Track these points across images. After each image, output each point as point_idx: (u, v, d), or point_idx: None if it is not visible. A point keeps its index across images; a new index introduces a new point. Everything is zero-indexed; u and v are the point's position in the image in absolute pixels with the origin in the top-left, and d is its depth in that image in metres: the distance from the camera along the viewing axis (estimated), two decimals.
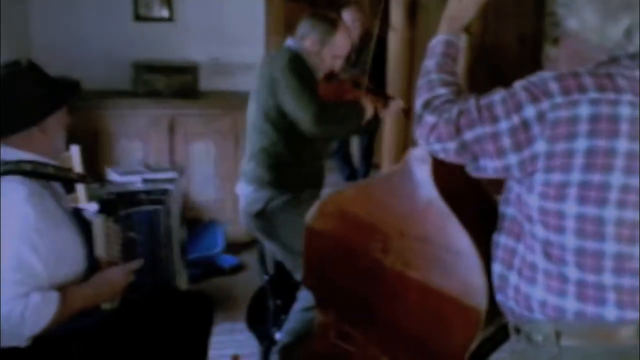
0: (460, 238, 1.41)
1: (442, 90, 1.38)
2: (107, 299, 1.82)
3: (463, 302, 1.39)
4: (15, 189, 1.67)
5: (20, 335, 1.60)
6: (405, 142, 4.43)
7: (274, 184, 2.41)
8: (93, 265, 1.83)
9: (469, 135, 1.27)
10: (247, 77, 4.34)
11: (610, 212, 1.17)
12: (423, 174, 1.49)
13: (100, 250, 1.84)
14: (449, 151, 1.32)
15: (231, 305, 3.05)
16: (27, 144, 1.76)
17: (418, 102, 1.41)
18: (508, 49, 4.37)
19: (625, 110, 1.16)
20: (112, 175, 2.14)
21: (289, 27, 4.54)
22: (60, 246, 1.71)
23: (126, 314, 1.89)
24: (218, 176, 4.07)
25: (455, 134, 1.29)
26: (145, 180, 2.03)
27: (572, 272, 1.22)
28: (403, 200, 1.52)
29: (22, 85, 1.73)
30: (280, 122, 2.41)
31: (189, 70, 4.10)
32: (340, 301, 1.67)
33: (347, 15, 4.81)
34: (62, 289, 1.69)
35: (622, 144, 1.15)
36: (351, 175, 5.32)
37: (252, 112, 2.52)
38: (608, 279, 1.20)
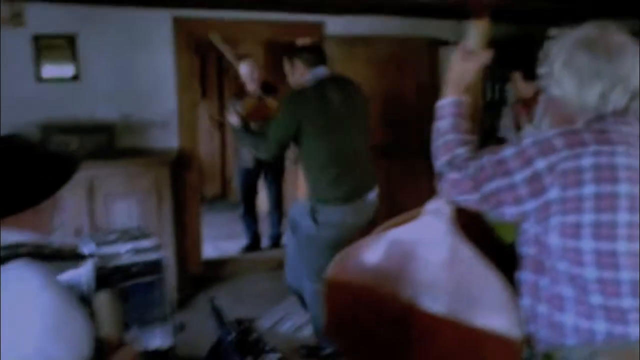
0: (489, 278, 1.58)
1: (459, 150, 1.57)
2: None
3: (502, 336, 1.54)
4: (26, 276, 1.57)
5: None
6: None
7: None
8: (97, 344, 1.75)
9: (487, 188, 1.46)
10: (161, 134, 4.33)
11: (621, 246, 1.38)
12: (445, 223, 1.64)
13: (107, 328, 1.76)
14: (471, 202, 1.52)
15: None
16: (22, 224, 1.66)
17: (439, 162, 1.58)
18: (407, 99, 4.76)
19: (621, 160, 1.39)
20: (86, 246, 2.03)
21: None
22: (77, 328, 1.63)
23: None
24: None
25: (476, 188, 1.48)
26: (134, 251, 1.97)
27: (596, 299, 1.41)
28: (428, 249, 1.66)
29: (20, 163, 1.65)
30: None
31: (104, 130, 3.97)
32: (368, 347, 1.75)
33: (245, 69, 4.97)
34: None
35: (623, 188, 1.38)
36: (253, 242, 5.44)
37: (358, 143, 3.20)
38: (627, 302, 1.40)
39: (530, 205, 1.42)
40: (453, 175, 1.52)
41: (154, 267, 1.91)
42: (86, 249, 2.05)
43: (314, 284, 3.24)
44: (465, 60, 1.66)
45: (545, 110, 3.61)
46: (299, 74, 3.23)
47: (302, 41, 4.34)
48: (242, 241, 5.47)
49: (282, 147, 3.15)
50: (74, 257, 1.82)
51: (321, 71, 3.20)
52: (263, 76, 5.11)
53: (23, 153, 1.66)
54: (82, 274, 1.88)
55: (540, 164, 1.40)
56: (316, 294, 3.27)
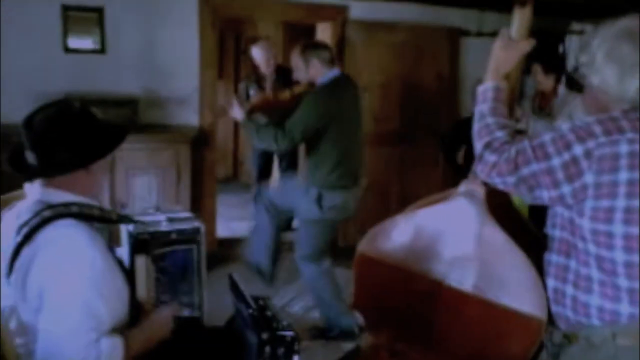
0: (516, 259, 1.63)
1: (499, 133, 1.61)
2: (155, 343, 1.81)
3: (525, 315, 1.60)
4: (75, 232, 1.64)
5: None
6: None
7: None
8: (133, 306, 1.82)
9: (525, 171, 1.51)
10: (182, 110, 4.38)
11: None
12: (475, 206, 1.70)
13: (142, 291, 1.83)
14: (508, 184, 1.56)
15: None
16: (71, 185, 1.73)
17: (479, 144, 1.63)
18: (425, 86, 4.80)
19: None
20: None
21: None
22: (116, 289, 1.70)
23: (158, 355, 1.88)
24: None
25: (514, 170, 1.52)
26: (170, 220, 2.03)
27: (623, 282, 1.47)
28: (458, 229, 1.72)
29: (75, 126, 1.71)
30: None
31: (127, 103, 4.02)
32: (394, 322, 1.82)
33: (258, 52, 4.92)
34: (122, 333, 1.68)
35: None
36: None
37: (360, 136, 3.47)
38: None
39: (566, 189, 1.47)
40: (491, 158, 1.56)
41: (192, 235, 1.97)
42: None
43: (316, 266, 3.42)
44: (506, 48, 1.70)
45: (566, 100, 3.65)
46: (314, 72, 3.35)
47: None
48: (253, 222, 5.52)
49: (304, 139, 3.32)
50: (118, 219, 1.88)
51: (337, 71, 3.39)
52: (278, 59, 5.10)
53: (77, 117, 1.73)
54: (121, 237, 1.95)
55: (578, 149, 1.45)
56: (318, 275, 3.43)
